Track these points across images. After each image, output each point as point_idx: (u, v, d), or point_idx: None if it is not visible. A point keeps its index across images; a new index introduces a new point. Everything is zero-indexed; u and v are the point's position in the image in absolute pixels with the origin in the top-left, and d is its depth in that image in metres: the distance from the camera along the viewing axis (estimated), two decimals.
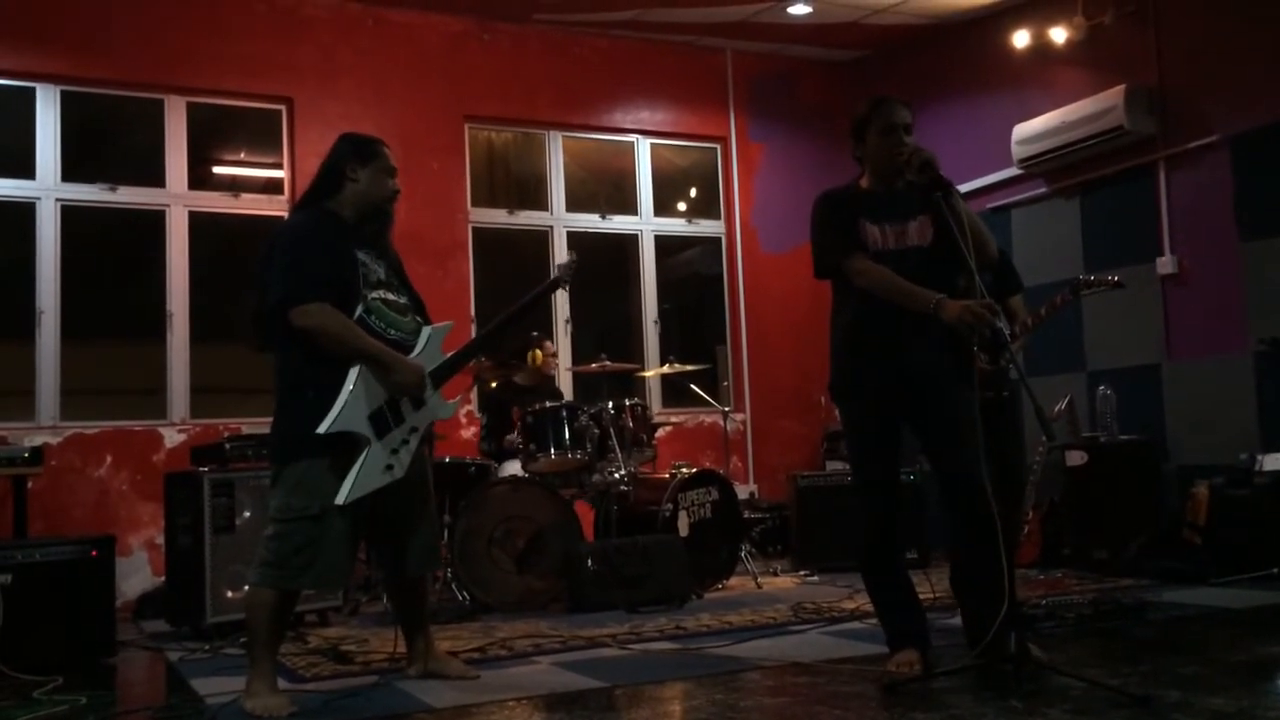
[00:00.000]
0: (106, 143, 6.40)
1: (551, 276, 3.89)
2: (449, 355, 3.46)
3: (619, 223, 7.51)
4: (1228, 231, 5.66)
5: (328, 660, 3.88)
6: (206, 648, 4.26)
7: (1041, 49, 6.55)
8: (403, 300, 3.43)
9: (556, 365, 6.31)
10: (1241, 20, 5.62)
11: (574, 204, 7.37)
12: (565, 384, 6.70)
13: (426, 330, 3.44)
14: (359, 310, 3.25)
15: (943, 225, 3.25)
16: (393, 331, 3.32)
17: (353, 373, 3.18)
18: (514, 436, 5.51)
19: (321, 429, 3.11)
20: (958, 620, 3.57)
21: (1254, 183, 5.56)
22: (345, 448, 3.17)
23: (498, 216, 7.17)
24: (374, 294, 3.31)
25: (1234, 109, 5.64)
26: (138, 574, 5.74)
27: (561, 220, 7.29)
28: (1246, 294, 5.58)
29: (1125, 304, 6.12)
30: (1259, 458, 5.25)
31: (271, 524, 3.23)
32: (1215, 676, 3.10)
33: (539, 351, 5.94)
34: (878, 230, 3.34)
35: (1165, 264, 5.94)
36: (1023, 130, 6.49)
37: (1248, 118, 5.57)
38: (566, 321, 7.16)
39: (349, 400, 3.15)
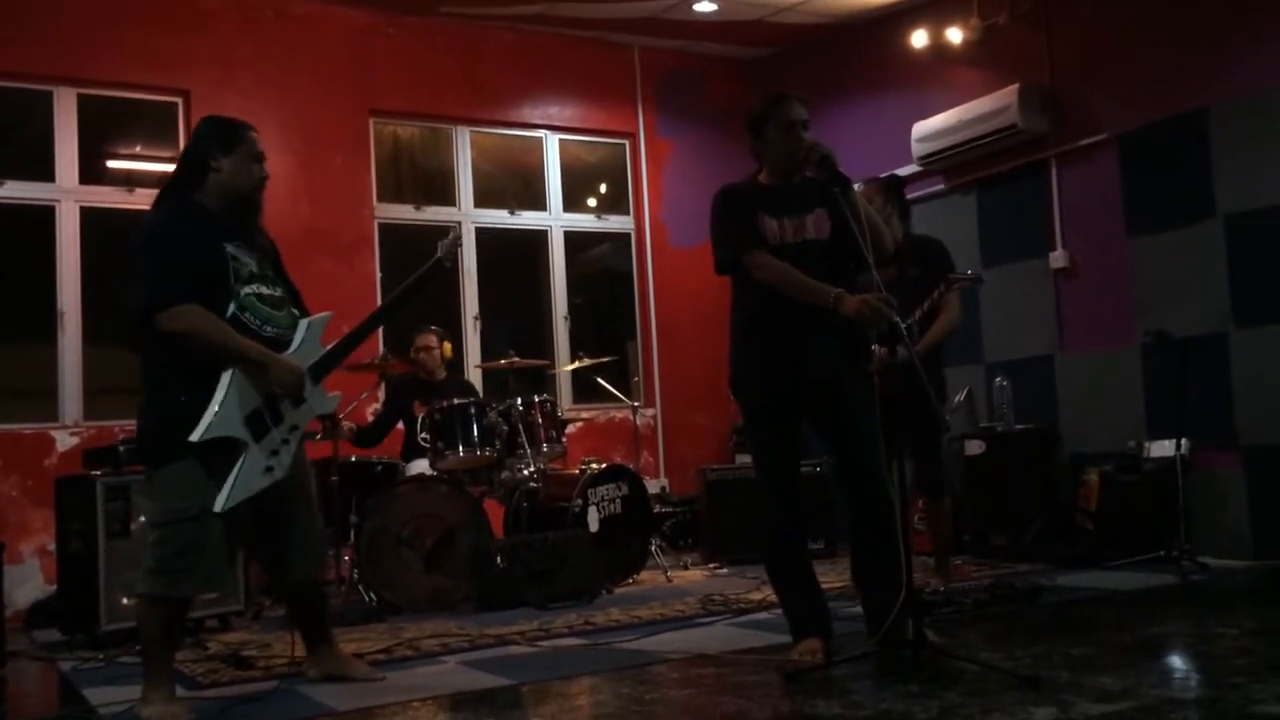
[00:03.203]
0: None
1: (433, 259, 3.55)
2: (329, 347, 3.34)
3: (528, 219, 7.48)
4: (1116, 227, 5.85)
5: (227, 666, 3.80)
6: (100, 657, 4.13)
7: (939, 49, 6.70)
8: (277, 293, 3.30)
9: (438, 359, 5.99)
10: (1130, 21, 5.81)
11: (483, 200, 7.31)
12: (474, 380, 6.65)
13: (304, 323, 3.32)
14: (232, 308, 3.13)
15: (841, 220, 3.31)
16: (269, 328, 3.21)
17: (225, 377, 3.07)
18: (424, 436, 5.42)
19: (195, 436, 3.01)
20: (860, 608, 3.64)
21: (1141, 180, 5.76)
22: (222, 448, 3.07)
23: (404, 212, 7.08)
24: (247, 289, 3.19)
25: (1122, 108, 5.83)
26: (29, 582, 5.54)
27: (470, 216, 7.23)
28: (1134, 288, 5.78)
29: (1020, 297, 6.30)
30: (1146, 445, 5.48)
31: (152, 530, 3.14)
32: (1103, 657, 3.21)
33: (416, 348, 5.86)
34: (776, 224, 3.39)
35: (1057, 258, 6.12)
36: (921, 128, 6.63)
37: (1135, 116, 5.76)
38: (475, 318, 7.10)
39: (223, 406, 3.04)
